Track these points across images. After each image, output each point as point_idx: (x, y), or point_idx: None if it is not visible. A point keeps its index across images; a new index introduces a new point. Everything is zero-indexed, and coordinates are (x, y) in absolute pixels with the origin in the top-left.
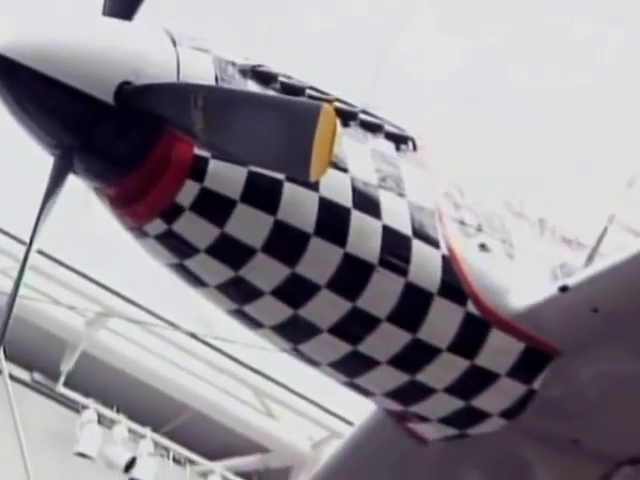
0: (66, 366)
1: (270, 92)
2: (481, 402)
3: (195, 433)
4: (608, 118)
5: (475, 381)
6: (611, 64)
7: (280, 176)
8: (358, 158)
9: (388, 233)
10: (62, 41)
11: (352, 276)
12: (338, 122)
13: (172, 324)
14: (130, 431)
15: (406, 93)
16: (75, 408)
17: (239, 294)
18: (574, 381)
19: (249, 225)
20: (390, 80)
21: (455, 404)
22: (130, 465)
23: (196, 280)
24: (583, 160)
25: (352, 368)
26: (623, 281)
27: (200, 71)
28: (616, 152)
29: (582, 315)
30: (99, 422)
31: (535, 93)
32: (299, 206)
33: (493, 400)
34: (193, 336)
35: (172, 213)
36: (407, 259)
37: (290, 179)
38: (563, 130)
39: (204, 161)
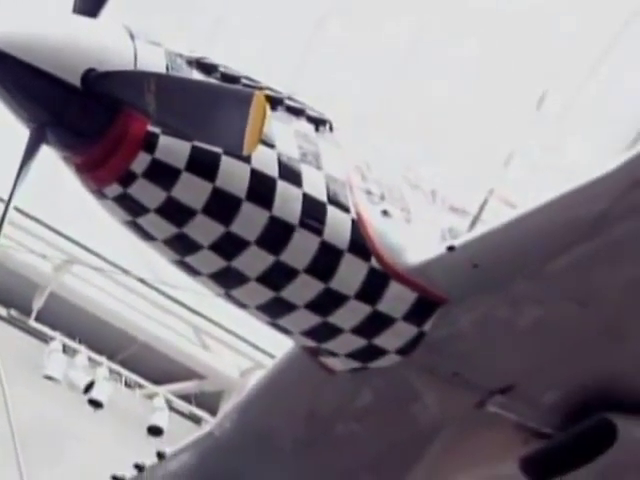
0: (37, 304)
1: (212, 80)
2: (380, 341)
3: (143, 362)
4: (491, 91)
5: (376, 324)
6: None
7: (218, 150)
8: (283, 137)
9: (307, 199)
10: (38, 34)
11: (276, 235)
12: (267, 107)
13: (125, 271)
14: (89, 359)
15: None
16: (44, 339)
17: (181, 247)
18: (457, 325)
19: (191, 190)
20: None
21: (359, 342)
22: (89, 387)
23: (146, 235)
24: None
25: (275, 311)
26: (498, 243)
27: (153, 61)
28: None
29: (465, 270)
30: (64, 351)
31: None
32: (233, 175)
33: (390, 339)
34: (142, 281)
35: (127, 179)
36: (322, 221)
37: (227, 153)
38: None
39: (155, 136)
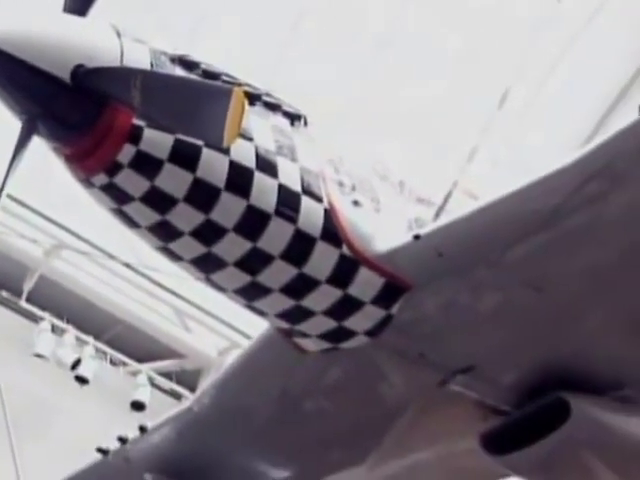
0: (27, 286)
1: (193, 76)
2: (350, 323)
3: (127, 341)
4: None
5: (346, 307)
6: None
7: (200, 142)
8: (261, 131)
9: (282, 190)
10: (31, 32)
11: (253, 223)
12: (246, 102)
13: (111, 255)
14: (76, 338)
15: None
16: (34, 319)
17: (164, 234)
18: (422, 309)
19: (174, 180)
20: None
21: (330, 324)
22: (76, 365)
23: (131, 222)
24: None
25: (251, 294)
26: (461, 233)
27: (138, 58)
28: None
29: (430, 258)
30: (52, 331)
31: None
32: (213, 166)
33: (359, 322)
34: (127, 265)
35: (113, 169)
36: (297, 210)
37: (207, 145)
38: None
39: (140, 129)
